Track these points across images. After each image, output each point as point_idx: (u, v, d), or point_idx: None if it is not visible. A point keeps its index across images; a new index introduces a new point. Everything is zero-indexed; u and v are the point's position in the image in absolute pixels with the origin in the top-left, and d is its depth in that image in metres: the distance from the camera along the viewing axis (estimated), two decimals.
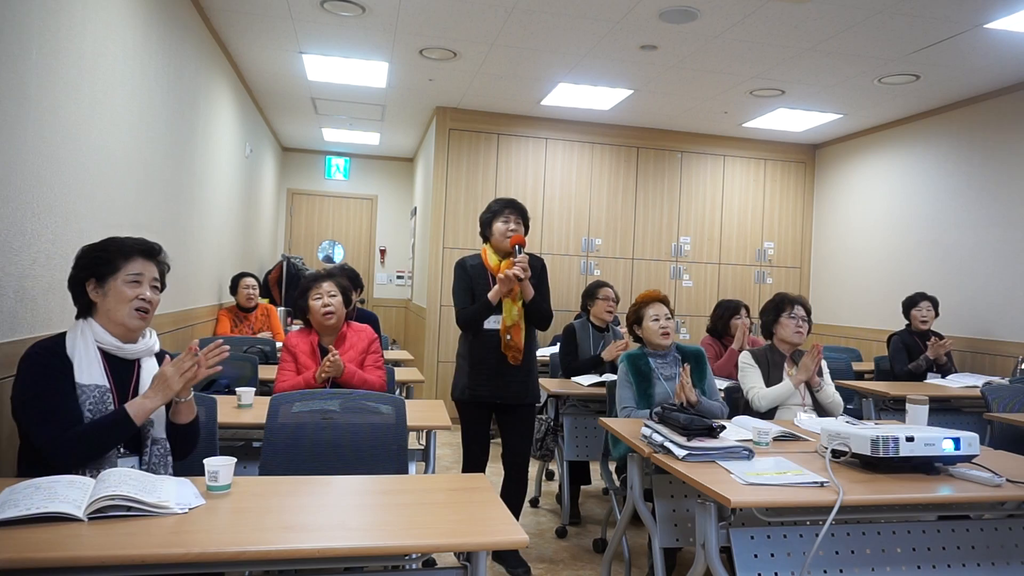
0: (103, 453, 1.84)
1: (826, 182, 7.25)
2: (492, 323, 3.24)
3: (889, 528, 2.17)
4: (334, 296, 3.07)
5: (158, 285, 2.02)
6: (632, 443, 2.51)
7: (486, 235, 3.32)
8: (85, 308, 1.96)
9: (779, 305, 3.36)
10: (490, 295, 3.19)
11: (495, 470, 3.43)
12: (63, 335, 1.92)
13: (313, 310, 3.06)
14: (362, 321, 3.70)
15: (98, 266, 1.94)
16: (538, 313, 3.26)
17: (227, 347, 2.00)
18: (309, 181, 9.23)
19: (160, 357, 2.07)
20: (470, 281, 3.28)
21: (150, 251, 2.01)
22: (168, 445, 1.98)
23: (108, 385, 1.91)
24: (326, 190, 9.28)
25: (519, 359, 3.22)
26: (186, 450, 2.06)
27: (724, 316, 4.58)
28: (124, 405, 1.86)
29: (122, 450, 1.91)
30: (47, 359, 1.85)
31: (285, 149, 9.08)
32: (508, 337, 3.20)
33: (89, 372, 1.88)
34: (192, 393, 2.01)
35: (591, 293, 4.53)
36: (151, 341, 2.04)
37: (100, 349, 1.93)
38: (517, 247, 3.16)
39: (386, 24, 4.52)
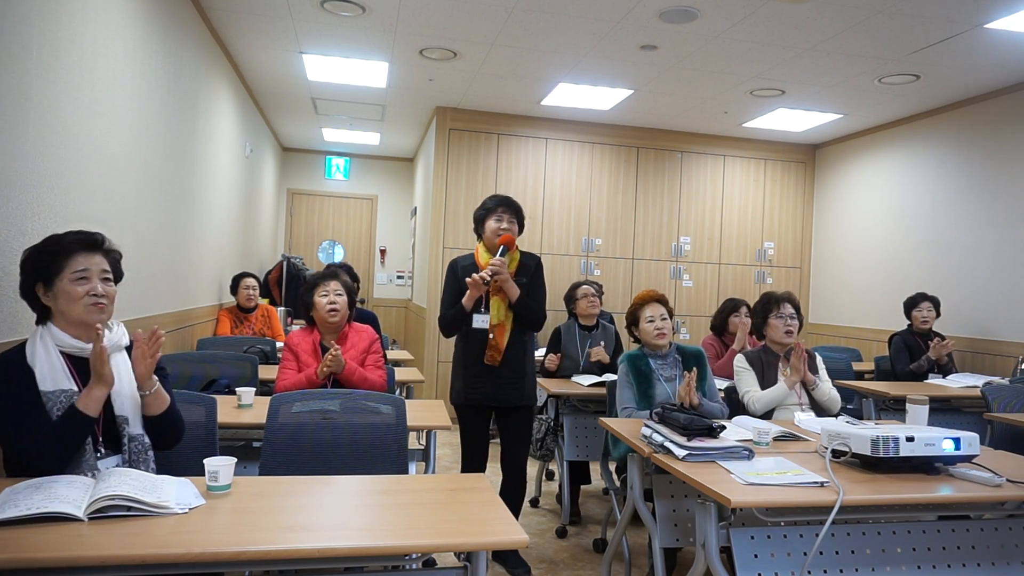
0: (72, 452, 1.81)
1: (826, 182, 7.25)
2: (481, 322, 3.17)
3: (889, 528, 2.17)
4: (340, 295, 3.13)
5: (109, 276, 1.94)
6: (632, 443, 2.51)
7: (479, 232, 3.30)
8: (42, 313, 1.90)
9: (766, 306, 3.32)
10: (463, 301, 3.15)
11: (495, 470, 3.43)
12: (22, 345, 1.87)
13: (318, 306, 3.10)
14: (362, 321, 3.70)
15: (42, 269, 1.86)
16: (526, 313, 3.20)
17: (162, 333, 1.94)
18: (309, 181, 9.23)
19: (131, 350, 1.99)
20: (459, 283, 3.21)
21: (92, 243, 1.92)
22: (147, 440, 1.95)
23: (75, 388, 1.85)
24: (326, 190, 9.28)
25: (496, 360, 3.16)
26: (168, 441, 2.01)
27: (724, 312, 4.61)
28: (73, 402, 1.81)
29: (102, 451, 1.88)
30: (6, 371, 1.81)
31: (285, 149, 9.08)
32: (491, 336, 3.16)
33: (53, 378, 1.83)
34: (156, 384, 1.95)
35: (571, 297, 4.57)
36: (116, 335, 1.96)
37: (63, 353, 1.87)
38: (502, 247, 3.12)
39: (386, 24, 4.52)
